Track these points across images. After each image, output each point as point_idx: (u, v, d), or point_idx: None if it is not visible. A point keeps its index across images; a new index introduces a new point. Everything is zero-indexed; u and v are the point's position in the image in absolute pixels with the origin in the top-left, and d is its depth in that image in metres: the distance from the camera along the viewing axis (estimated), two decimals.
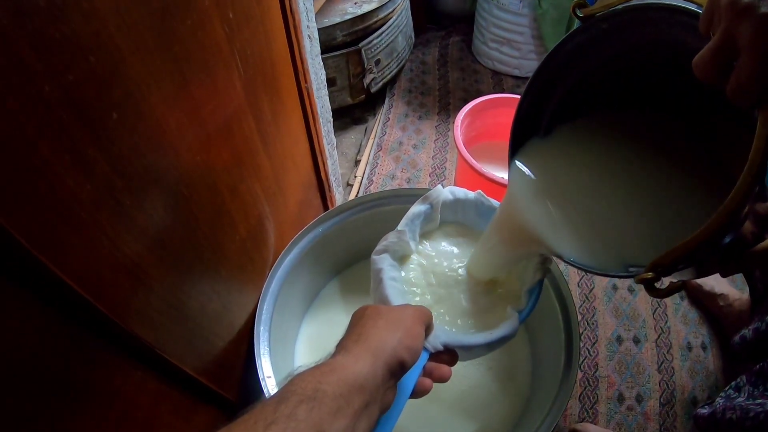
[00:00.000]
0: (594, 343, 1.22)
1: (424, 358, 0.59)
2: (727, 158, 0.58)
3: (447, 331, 0.66)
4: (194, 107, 0.60)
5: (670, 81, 0.60)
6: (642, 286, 0.49)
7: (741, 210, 0.40)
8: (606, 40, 0.56)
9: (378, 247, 0.76)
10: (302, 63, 0.92)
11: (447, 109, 1.84)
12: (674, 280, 0.48)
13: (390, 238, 0.76)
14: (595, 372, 1.17)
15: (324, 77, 1.11)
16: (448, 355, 0.64)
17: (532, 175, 0.65)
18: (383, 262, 0.74)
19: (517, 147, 0.66)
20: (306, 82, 0.94)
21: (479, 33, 2.00)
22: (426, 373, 0.60)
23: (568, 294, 0.90)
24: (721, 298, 1.23)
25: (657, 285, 0.48)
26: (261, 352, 0.85)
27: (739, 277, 1.21)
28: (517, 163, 0.66)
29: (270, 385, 0.82)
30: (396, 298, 0.69)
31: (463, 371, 0.99)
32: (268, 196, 0.85)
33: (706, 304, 1.28)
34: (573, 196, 0.63)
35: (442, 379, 0.61)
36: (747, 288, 1.10)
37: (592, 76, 0.61)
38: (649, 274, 0.47)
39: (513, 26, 1.82)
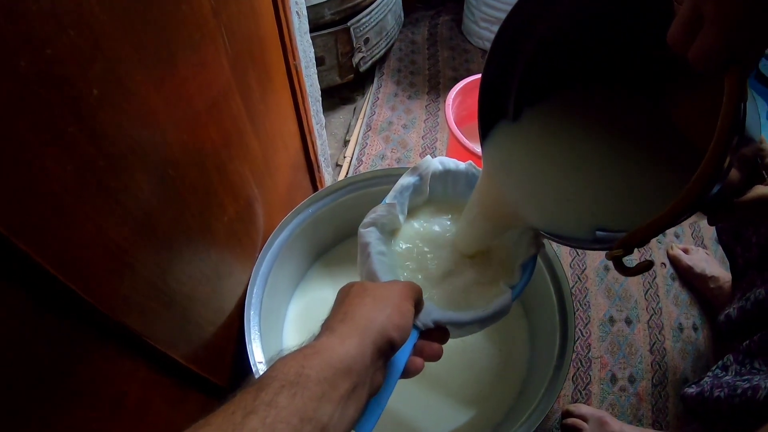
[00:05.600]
0: (587, 324, 1.21)
1: (414, 336, 0.57)
2: (680, 119, 0.60)
3: (437, 307, 0.64)
4: (180, 84, 0.58)
5: (617, 51, 0.61)
6: (606, 258, 0.51)
7: (718, 173, 0.41)
8: None
9: (365, 220, 0.73)
10: (291, 40, 0.89)
11: (437, 88, 1.81)
12: (643, 261, 0.49)
13: (378, 211, 0.73)
14: (588, 353, 1.17)
15: (313, 55, 1.08)
16: (439, 332, 0.63)
17: (504, 157, 0.66)
18: (371, 235, 0.71)
19: (487, 130, 0.66)
20: (294, 59, 0.92)
21: (469, 12, 1.97)
22: (416, 351, 0.58)
23: (563, 275, 0.90)
24: (712, 280, 1.24)
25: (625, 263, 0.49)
26: (252, 337, 0.84)
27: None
28: (489, 146, 0.66)
29: (262, 370, 0.80)
30: (384, 274, 0.67)
31: (459, 352, 0.99)
32: (257, 177, 0.83)
33: (696, 285, 1.29)
34: (542, 174, 0.64)
35: (434, 357, 0.59)
36: None
37: (550, 47, 0.61)
38: (619, 251, 0.49)
39: (504, 5, 1.79)
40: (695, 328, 1.23)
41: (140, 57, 0.49)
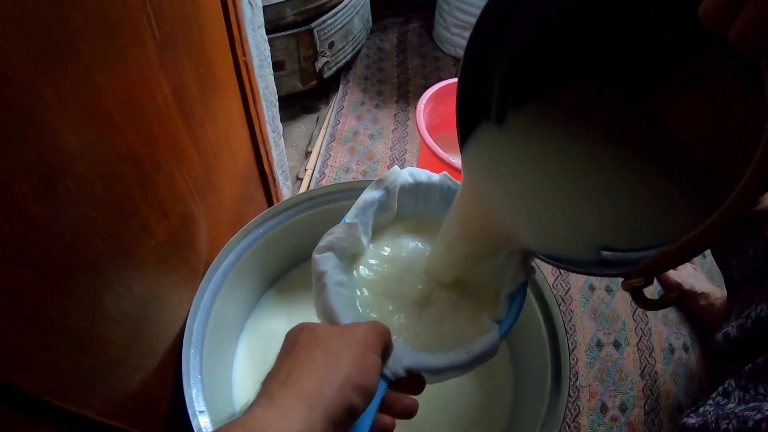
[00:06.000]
0: (573, 350, 1.13)
1: (381, 389, 0.46)
2: (675, 120, 0.55)
3: (410, 351, 0.53)
4: (83, 71, 0.44)
5: (605, 47, 0.55)
6: (622, 288, 0.44)
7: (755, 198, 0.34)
8: None
9: (321, 243, 0.60)
10: (240, 32, 0.77)
11: (406, 97, 1.70)
12: (670, 293, 0.44)
13: (336, 232, 0.60)
14: (576, 381, 1.08)
15: (268, 53, 0.96)
16: (413, 381, 0.51)
17: (488, 164, 0.56)
18: (327, 262, 0.58)
19: (467, 134, 0.57)
20: (245, 55, 0.79)
21: (441, 18, 1.87)
22: (385, 407, 0.47)
23: (552, 300, 0.78)
24: (702, 297, 1.17)
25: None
26: (191, 381, 0.70)
27: (718, 274, 1.14)
28: (470, 151, 0.56)
29: (203, 423, 0.67)
30: (343, 311, 0.55)
31: (433, 388, 0.85)
32: (196, 190, 0.69)
33: (686, 303, 1.22)
34: (534, 183, 0.55)
35: (407, 414, 0.49)
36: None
37: (534, 42, 0.54)
38: (638, 281, 0.41)
39: (478, 10, 1.69)
40: (686, 349, 1.17)
41: (20, 28, 0.36)
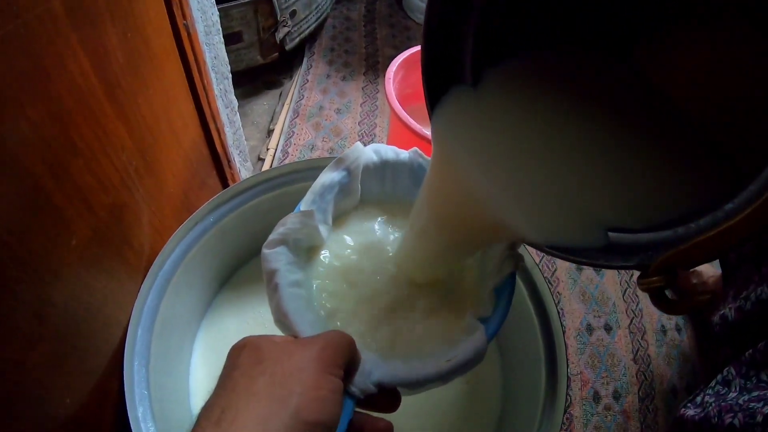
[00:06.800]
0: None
1: (348, 409, 0.38)
2: (664, 79, 0.49)
3: (381, 362, 0.45)
4: None
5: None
6: (639, 288, 0.38)
7: None
8: None
9: (271, 237, 0.51)
10: None
11: (375, 69, 1.60)
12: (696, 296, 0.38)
13: (289, 222, 0.51)
14: (566, 369, 1.01)
15: (217, 19, 0.85)
16: (387, 398, 0.44)
17: (464, 132, 0.47)
18: (279, 259, 0.49)
19: (436, 98, 0.48)
20: (185, 18, 0.69)
21: None
22: (354, 430, 0.40)
23: (544, 287, 0.70)
24: (694, 275, 1.12)
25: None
26: (136, 400, 0.60)
27: None
28: (441, 117, 0.48)
29: None
30: (300, 316, 0.46)
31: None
32: (129, 176, 0.59)
33: (677, 281, 1.15)
34: (517, 153, 0.47)
35: None
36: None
37: None
38: (658, 280, 0.35)
39: None
40: (678, 329, 1.13)
41: None
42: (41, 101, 0.44)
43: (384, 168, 0.59)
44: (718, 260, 0.98)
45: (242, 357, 0.35)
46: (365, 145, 0.58)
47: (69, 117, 0.48)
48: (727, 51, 0.45)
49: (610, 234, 0.42)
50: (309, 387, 0.32)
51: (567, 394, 0.93)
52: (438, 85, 0.48)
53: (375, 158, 0.58)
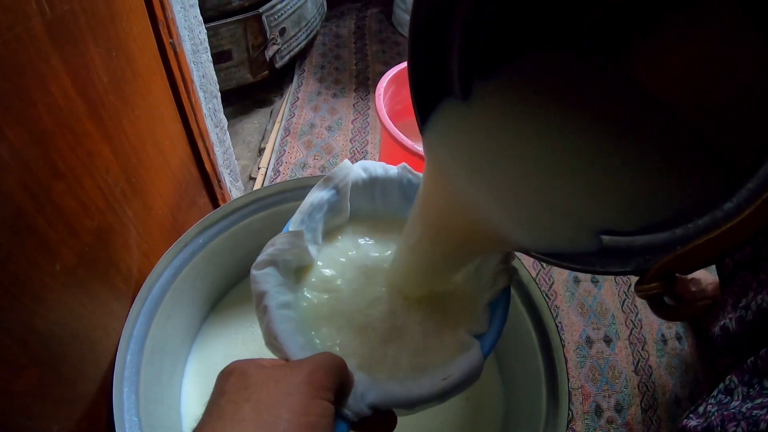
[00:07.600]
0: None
1: None
2: (653, 79, 0.49)
3: (374, 382, 0.43)
4: None
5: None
6: (637, 296, 0.37)
7: None
8: None
9: (260, 258, 0.50)
10: (164, 10, 0.66)
11: (365, 85, 1.60)
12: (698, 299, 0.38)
13: (278, 243, 0.50)
14: (567, 385, 1.00)
15: (205, 37, 0.84)
16: (382, 420, 0.42)
17: (456, 146, 0.47)
18: (268, 280, 0.48)
19: (426, 111, 0.47)
20: (171, 37, 0.68)
21: (401, 1, 1.78)
22: None
23: (542, 302, 0.69)
24: (693, 282, 1.11)
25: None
26: (126, 426, 0.58)
27: None
28: (432, 132, 0.47)
29: None
30: (290, 338, 0.45)
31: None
32: (115, 198, 0.58)
33: (676, 289, 1.14)
34: (509, 161, 0.46)
35: None
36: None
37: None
38: (656, 286, 0.35)
39: None
40: (679, 338, 1.12)
41: None
42: (21, 123, 0.42)
43: (373, 185, 0.58)
44: (714, 268, 0.97)
45: (229, 383, 0.34)
46: (357, 161, 0.57)
47: (50, 139, 0.46)
48: (719, 44, 0.45)
49: (605, 238, 0.41)
50: (297, 413, 0.31)
51: (569, 409, 0.92)
52: (427, 99, 0.47)
53: (364, 175, 0.57)
